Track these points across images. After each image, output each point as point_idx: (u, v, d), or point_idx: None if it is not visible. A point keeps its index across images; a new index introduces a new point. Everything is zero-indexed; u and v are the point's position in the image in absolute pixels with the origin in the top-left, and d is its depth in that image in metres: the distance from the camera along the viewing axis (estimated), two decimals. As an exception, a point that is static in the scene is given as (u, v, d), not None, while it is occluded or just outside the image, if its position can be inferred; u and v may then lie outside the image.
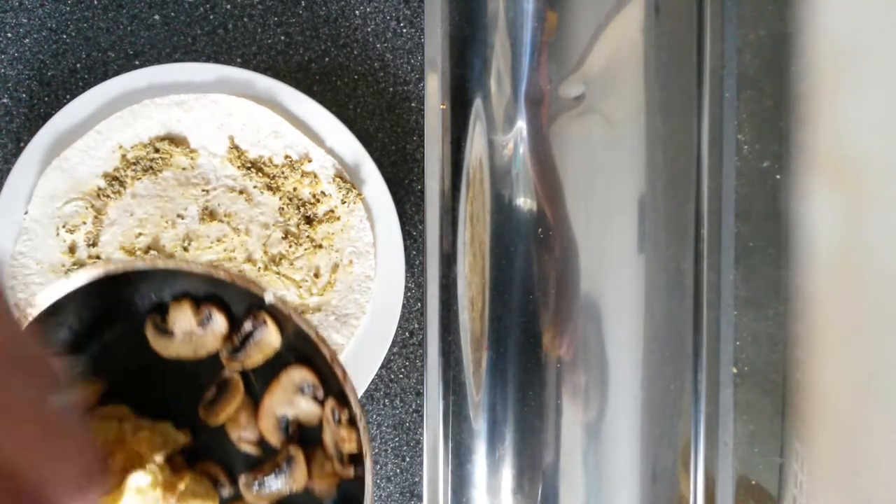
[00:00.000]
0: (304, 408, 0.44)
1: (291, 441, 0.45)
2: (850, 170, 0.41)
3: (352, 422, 0.43)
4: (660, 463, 0.51)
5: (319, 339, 0.42)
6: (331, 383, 0.44)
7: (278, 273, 0.57)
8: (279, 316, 0.44)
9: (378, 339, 0.58)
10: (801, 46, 0.47)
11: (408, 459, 0.60)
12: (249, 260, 0.57)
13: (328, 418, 0.44)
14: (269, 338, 0.45)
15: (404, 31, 0.59)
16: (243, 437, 0.45)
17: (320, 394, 0.45)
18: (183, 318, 0.45)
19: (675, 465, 0.51)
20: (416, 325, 0.60)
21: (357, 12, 0.59)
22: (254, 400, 0.46)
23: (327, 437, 0.44)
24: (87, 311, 0.44)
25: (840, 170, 0.42)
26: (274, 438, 0.45)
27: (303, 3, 0.59)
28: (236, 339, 0.45)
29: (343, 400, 0.43)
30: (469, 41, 0.52)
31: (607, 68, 0.51)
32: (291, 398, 0.44)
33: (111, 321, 0.45)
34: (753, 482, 0.49)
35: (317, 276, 0.58)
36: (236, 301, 0.45)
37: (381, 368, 0.59)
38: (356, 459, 0.43)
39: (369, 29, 0.59)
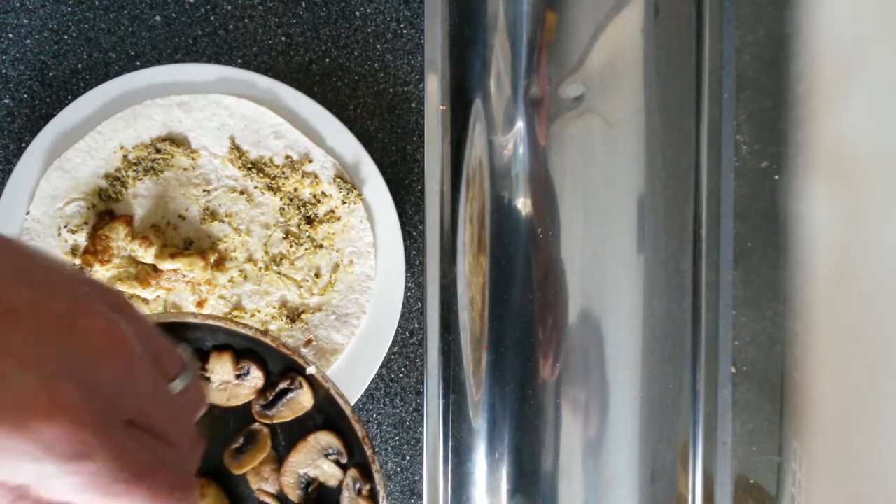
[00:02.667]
0: (327, 470, 0.46)
1: (310, 501, 0.47)
2: (849, 170, 0.41)
3: (372, 496, 0.45)
4: (658, 462, 0.51)
5: (354, 418, 0.45)
6: (356, 454, 0.46)
7: (279, 273, 0.58)
8: (317, 385, 0.46)
9: (378, 339, 0.58)
10: (800, 47, 0.47)
11: (408, 458, 0.61)
12: (250, 260, 0.57)
13: (349, 486, 0.45)
14: (302, 399, 0.47)
15: (404, 31, 0.59)
16: (263, 489, 0.47)
17: (343, 459, 0.47)
18: (222, 369, 0.47)
19: (673, 464, 0.51)
20: (416, 325, 0.60)
21: (357, 13, 0.59)
22: (277, 454, 0.48)
23: (345, 503, 0.46)
24: None
25: (839, 170, 0.42)
26: (293, 495, 0.47)
27: (303, 4, 0.59)
28: (270, 395, 0.47)
29: (367, 474, 0.45)
30: (469, 42, 0.53)
31: (607, 69, 0.51)
32: (316, 459, 0.46)
33: None
34: (752, 481, 0.49)
35: (317, 275, 0.58)
36: (275, 359, 0.47)
37: (381, 368, 0.59)
38: None
39: (370, 30, 0.59)
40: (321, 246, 0.58)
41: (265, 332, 0.46)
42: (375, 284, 0.58)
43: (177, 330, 0.46)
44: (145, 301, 0.57)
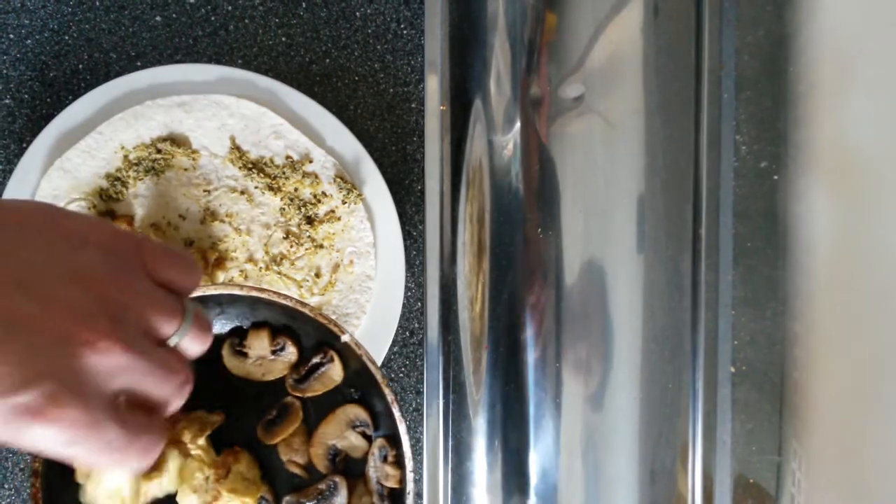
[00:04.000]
0: (354, 442, 0.49)
1: (337, 471, 0.49)
2: (848, 170, 0.41)
3: (398, 462, 0.47)
4: (658, 461, 0.51)
5: (384, 382, 0.47)
6: (382, 426, 0.48)
7: (279, 273, 0.58)
8: (349, 354, 0.48)
9: (378, 339, 0.58)
10: (800, 47, 0.47)
11: (408, 458, 0.61)
12: (251, 260, 0.58)
13: (374, 454, 0.48)
14: (333, 373, 0.49)
15: (404, 32, 0.59)
16: (293, 460, 0.49)
17: (370, 431, 0.49)
18: (259, 344, 0.49)
19: (673, 464, 0.51)
20: (416, 325, 0.60)
21: (357, 14, 0.59)
22: (307, 427, 0.50)
23: (370, 473, 0.48)
24: None
25: (838, 170, 0.42)
26: (322, 465, 0.49)
27: (304, 5, 0.59)
28: (303, 370, 0.49)
29: (394, 441, 0.47)
30: (469, 42, 0.53)
31: (607, 69, 0.51)
32: (344, 431, 0.49)
33: None
34: (751, 481, 0.49)
35: (318, 275, 0.58)
36: (308, 335, 0.50)
37: (381, 367, 0.59)
38: (395, 497, 0.47)
39: (370, 30, 0.59)
40: (321, 246, 0.58)
41: (304, 304, 0.47)
42: (375, 284, 0.58)
43: (221, 304, 0.48)
44: None
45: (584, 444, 0.52)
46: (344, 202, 0.57)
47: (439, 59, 0.52)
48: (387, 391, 0.46)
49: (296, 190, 0.57)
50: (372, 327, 0.58)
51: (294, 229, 0.58)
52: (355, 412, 0.49)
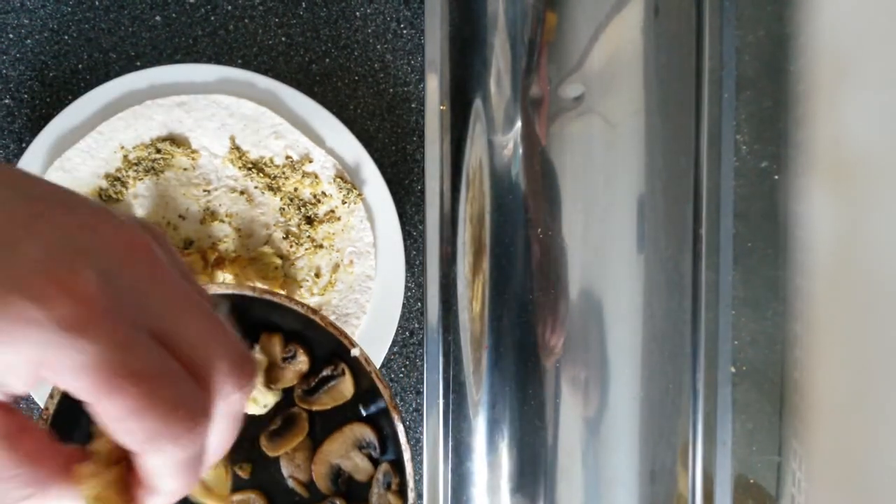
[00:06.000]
0: (359, 463, 0.47)
1: (339, 492, 0.47)
2: (849, 170, 0.41)
3: (401, 491, 0.45)
4: (658, 462, 0.51)
5: (393, 406, 0.45)
6: (389, 450, 0.46)
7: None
8: (359, 370, 0.46)
9: (378, 339, 0.58)
10: (800, 47, 0.47)
11: (408, 458, 0.61)
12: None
13: (378, 480, 0.46)
14: (344, 387, 0.47)
15: (404, 32, 0.59)
16: (295, 476, 0.47)
17: (376, 454, 0.47)
18: (270, 350, 0.47)
19: (673, 464, 0.51)
20: (416, 325, 0.60)
21: (357, 14, 0.59)
22: (312, 441, 0.48)
23: (373, 499, 0.46)
24: None
25: (839, 170, 0.42)
26: (323, 485, 0.47)
27: (303, 5, 0.59)
28: (312, 381, 0.47)
29: (399, 468, 0.45)
30: (469, 42, 0.53)
31: (607, 69, 0.51)
32: (349, 451, 0.47)
33: None
34: (752, 481, 0.49)
35: (317, 275, 0.58)
36: (321, 345, 0.47)
37: (381, 368, 0.59)
38: None
39: (370, 30, 0.59)
40: (321, 246, 0.58)
41: (315, 311, 0.46)
42: (375, 284, 0.58)
43: (229, 306, 0.46)
44: None
45: (585, 443, 0.52)
46: (344, 202, 0.57)
47: (439, 58, 0.52)
48: (394, 414, 0.45)
49: (295, 190, 0.57)
50: (372, 327, 0.58)
51: (294, 229, 0.58)
52: (363, 432, 0.47)
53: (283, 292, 0.46)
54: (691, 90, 0.51)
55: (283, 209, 0.57)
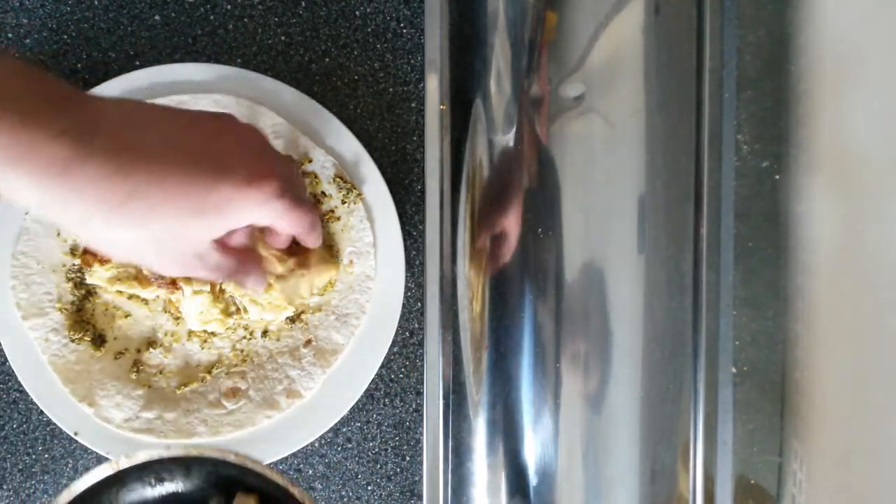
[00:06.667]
0: None
1: None
2: (849, 170, 0.41)
3: None
4: (659, 462, 0.51)
5: None
6: None
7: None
8: None
9: (378, 339, 0.58)
10: (801, 47, 0.47)
11: (408, 459, 0.61)
12: (250, 260, 0.57)
13: None
14: None
15: (404, 31, 0.59)
16: None
17: None
18: None
19: (674, 465, 0.51)
20: (416, 325, 0.60)
21: (357, 13, 0.59)
22: None
23: None
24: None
25: (840, 170, 0.42)
26: None
27: (303, 4, 0.59)
28: None
29: None
30: (469, 41, 0.53)
31: (607, 68, 0.51)
32: None
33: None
34: (752, 481, 0.49)
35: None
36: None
37: (381, 368, 0.59)
38: None
39: (369, 29, 0.59)
40: (321, 246, 0.58)
41: (294, 484, 0.43)
42: (375, 284, 0.58)
43: (209, 464, 0.45)
44: (145, 301, 0.57)
45: (585, 444, 0.52)
46: (343, 202, 0.57)
47: (439, 58, 0.52)
48: None
49: (295, 190, 0.57)
50: (372, 327, 0.58)
51: (293, 229, 0.57)
52: None
53: (261, 460, 0.45)
54: (692, 90, 0.50)
55: (283, 209, 0.57)
